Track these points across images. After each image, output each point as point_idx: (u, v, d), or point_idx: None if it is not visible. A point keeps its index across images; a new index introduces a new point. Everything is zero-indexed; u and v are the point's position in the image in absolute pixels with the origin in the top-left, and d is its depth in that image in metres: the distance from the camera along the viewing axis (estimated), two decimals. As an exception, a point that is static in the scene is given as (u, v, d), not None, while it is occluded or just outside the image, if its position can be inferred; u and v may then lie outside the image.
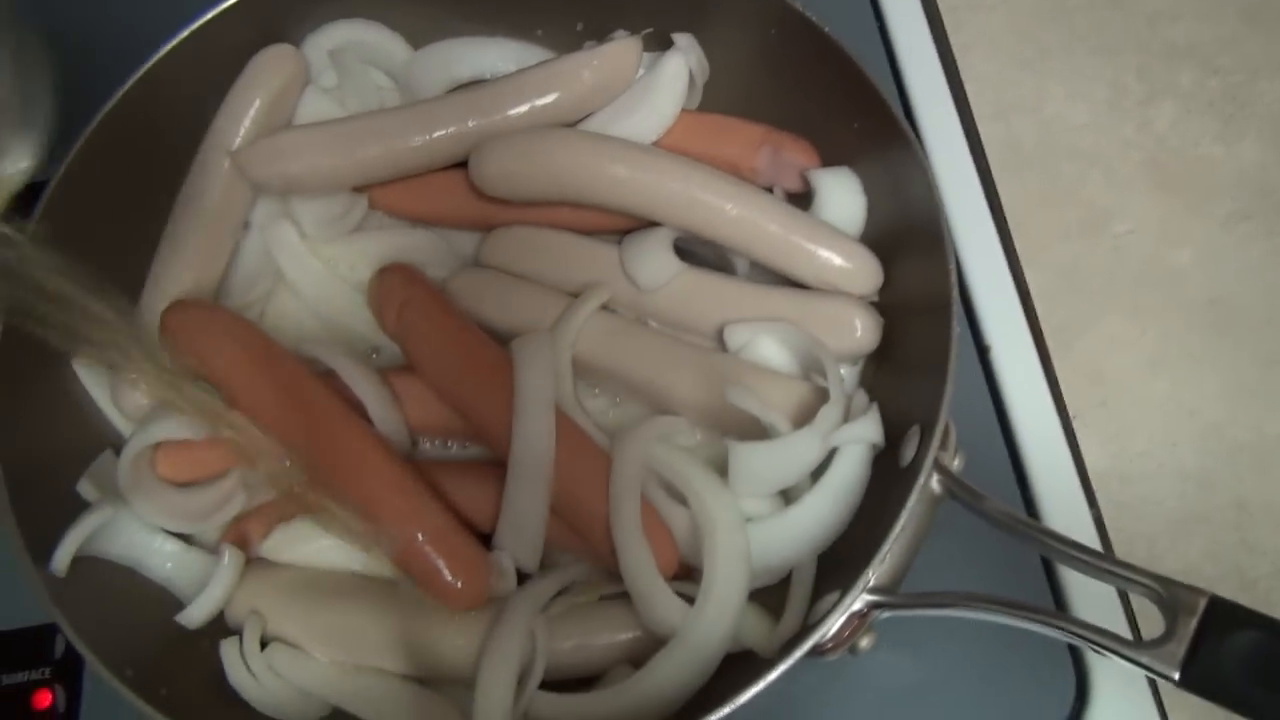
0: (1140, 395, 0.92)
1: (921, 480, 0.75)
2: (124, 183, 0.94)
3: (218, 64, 0.98)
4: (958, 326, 0.78)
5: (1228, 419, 0.91)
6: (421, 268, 0.97)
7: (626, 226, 0.97)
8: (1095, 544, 0.88)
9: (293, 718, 0.82)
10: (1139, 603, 0.72)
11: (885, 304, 0.92)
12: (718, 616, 0.77)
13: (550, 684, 0.78)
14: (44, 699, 0.93)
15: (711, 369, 0.87)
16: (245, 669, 0.82)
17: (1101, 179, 1.00)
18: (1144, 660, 0.63)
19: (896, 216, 0.91)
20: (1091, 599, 0.84)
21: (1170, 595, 0.64)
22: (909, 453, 0.80)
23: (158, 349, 0.85)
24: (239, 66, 0.99)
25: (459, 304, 0.94)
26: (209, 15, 0.96)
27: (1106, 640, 0.65)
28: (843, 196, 0.94)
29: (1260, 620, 0.61)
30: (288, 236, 0.98)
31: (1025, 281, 0.98)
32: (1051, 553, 0.70)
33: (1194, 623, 0.62)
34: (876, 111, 0.88)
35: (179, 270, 0.95)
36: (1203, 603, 0.62)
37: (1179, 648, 0.62)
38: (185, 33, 0.95)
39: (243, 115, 0.98)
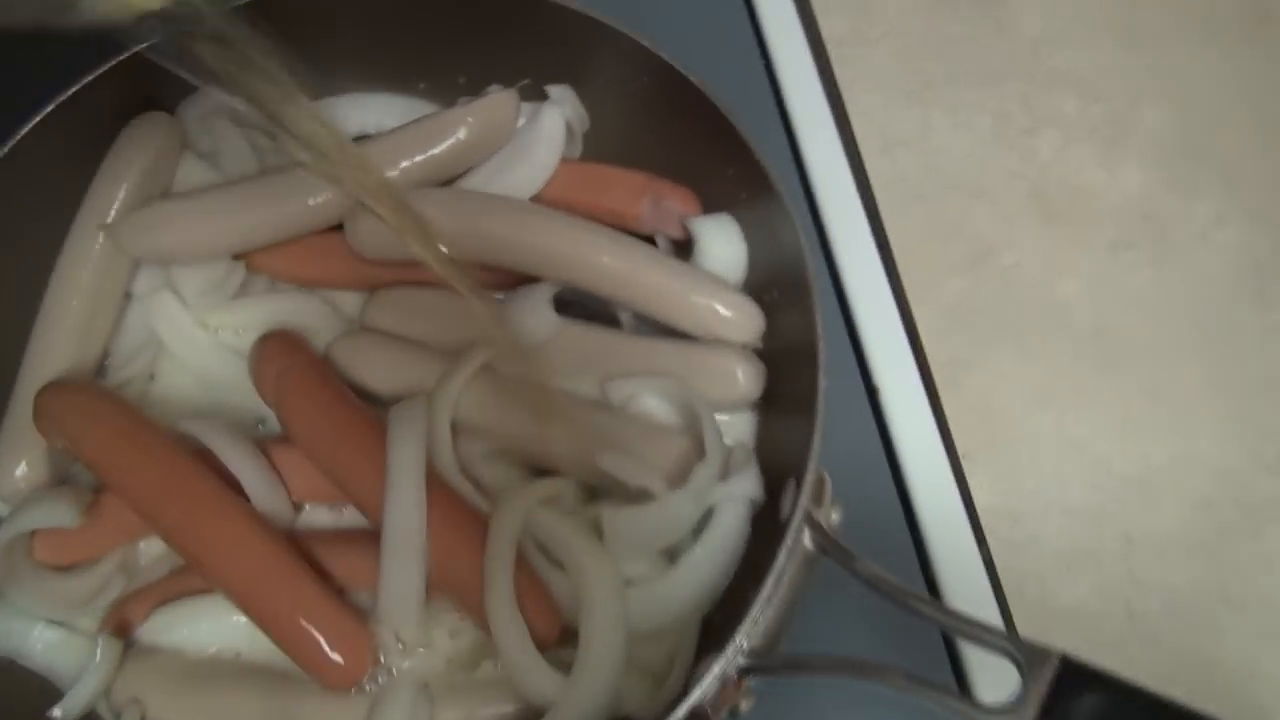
0: (1028, 431, 0.92)
1: (789, 540, 0.74)
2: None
3: (90, 133, 0.97)
4: (824, 379, 0.78)
5: (1115, 452, 0.90)
6: (307, 333, 0.96)
7: (511, 282, 0.96)
8: (986, 586, 0.87)
9: (176, 807, 0.81)
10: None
11: (768, 351, 0.91)
12: (594, 685, 0.76)
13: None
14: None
15: (589, 425, 0.86)
16: (125, 761, 0.80)
17: (988, 211, 1.00)
18: (998, 725, 0.63)
19: (774, 263, 0.90)
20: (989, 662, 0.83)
21: (1023, 654, 0.63)
22: (787, 506, 0.80)
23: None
24: (112, 135, 0.98)
25: (341, 368, 0.93)
26: (81, 83, 0.94)
27: (963, 705, 0.64)
28: (723, 244, 0.94)
29: (1110, 681, 0.60)
30: (169, 307, 0.96)
31: (913, 319, 0.98)
32: (915, 613, 0.69)
33: (1046, 684, 0.61)
34: (746, 159, 0.88)
35: (56, 349, 0.93)
36: (1054, 662, 0.62)
37: (1029, 710, 0.61)
38: (53, 105, 0.93)
39: (117, 186, 0.96)
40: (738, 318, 0.90)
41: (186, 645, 0.85)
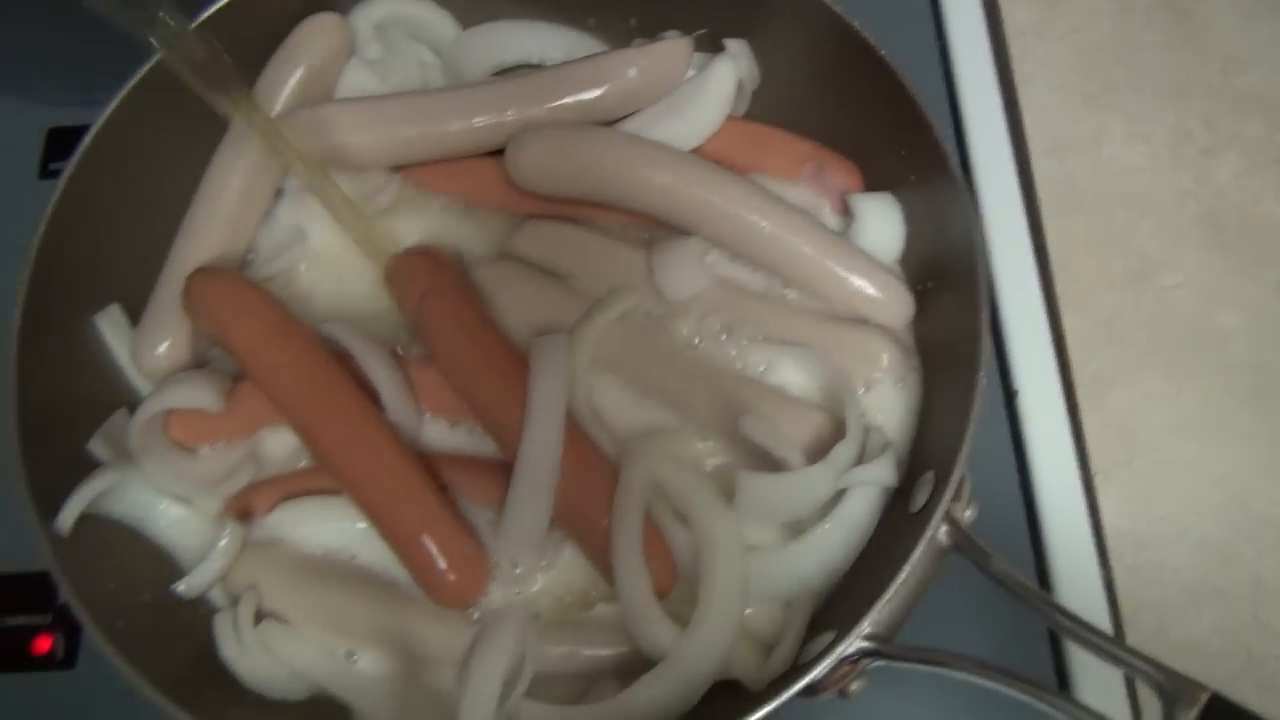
0: (1168, 458, 0.89)
1: (930, 531, 0.73)
2: (162, 137, 0.94)
3: (264, 28, 0.97)
4: (985, 377, 0.76)
5: (1255, 492, 0.88)
6: (451, 252, 0.96)
7: (657, 224, 0.95)
8: (1103, 607, 0.86)
9: (277, 694, 0.82)
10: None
11: (915, 338, 0.89)
12: (708, 644, 0.76)
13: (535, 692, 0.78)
14: (44, 644, 0.95)
15: (728, 390, 0.85)
16: (237, 642, 0.82)
17: (1153, 228, 0.97)
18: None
19: (936, 250, 0.88)
20: (1094, 672, 0.82)
21: (1172, 686, 0.62)
22: (921, 498, 0.79)
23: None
24: (284, 32, 0.98)
25: (484, 292, 0.93)
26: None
27: (1096, 724, 0.63)
28: (882, 224, 0.92)
29: (1260, 723, 0.59)
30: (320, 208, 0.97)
31: (1062, 327, 0.96)
32: (1055, 624, 0.68)
33: (1192, 718, 0.60)
34: (925, 142, 0.86)
35: (207, 235, 0.95)
36: (1204, 698, 0.60)
37: (1175, 741, 0.60)
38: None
39: (284, 82, 0.97)
40: (890, 300, 0.89)
41: (306, 541, 0.86)
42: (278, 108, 0.96)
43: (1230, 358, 0.93)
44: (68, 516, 0.80)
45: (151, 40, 0.86)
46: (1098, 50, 1.04)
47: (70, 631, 0.95)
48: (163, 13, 0.84)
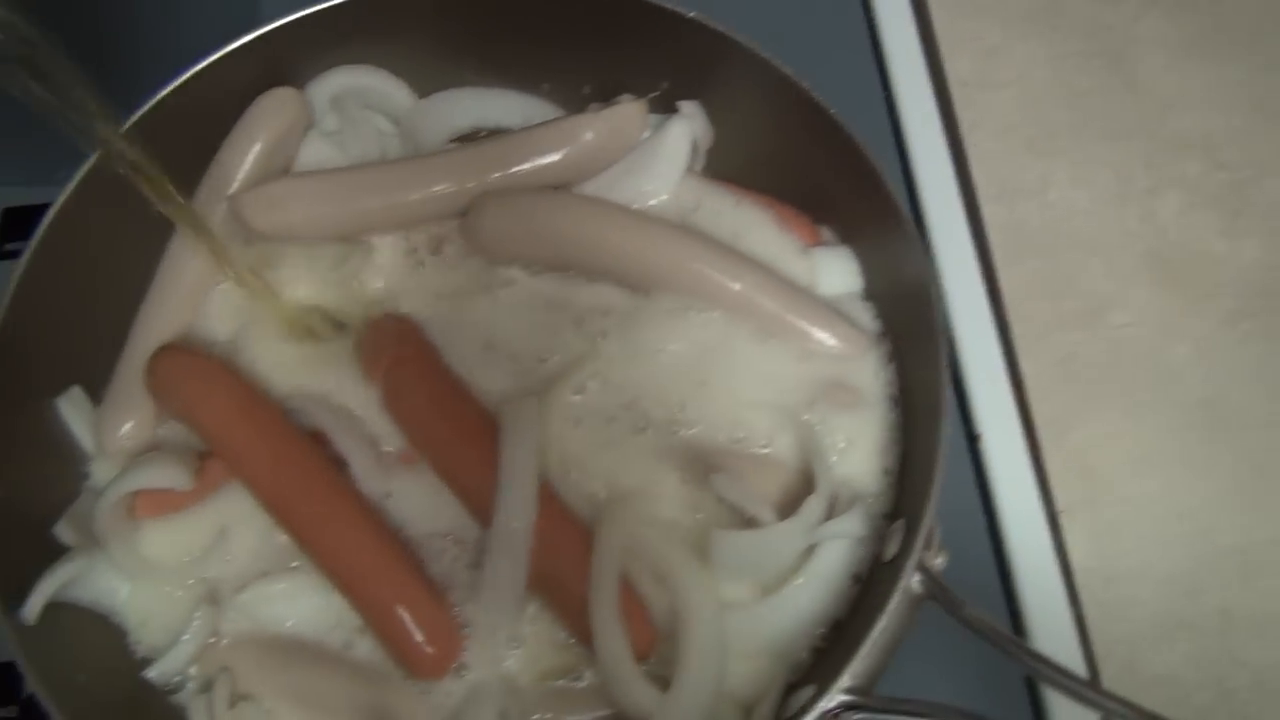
0: (1130, 494, 0.91)
1: (903, 581, 0.74)
2: (120, 218, 0.94)
3: (221, 106, 0.98)
4: (949, 426, 0.77)
5: (1217, 524, 0.90)
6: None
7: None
8: (1075, 644, 0.87)
9: (255, 779, 0.81)
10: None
11: (878, 389, 0.91)
12: (691, 704, 0.76)
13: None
14: (9, 737, 0.93)
15: (697, 457, 0.86)
16: (211, 728, 0.81)
17: (1102, 268, 1.00)
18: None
19: (894, 301, 0.90)
20: (1070, 713, 0.83)
21: (1147, 728, 0.63)
22: (892, 548, 0.80)
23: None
24: (241, 108, 0.99)
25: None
26: (215, 56, 0.95)
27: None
28: (839, 277, 0.93)
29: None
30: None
31: (1020, 370, 0.98)
32: (1031, 670, 0.69)
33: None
34: (878, 196, 0.87)
35: (169, 313, 0.94)
36: (1181, 739, 0.61)
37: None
38: (189, 73, 0.94)
39: (243, 158, 0.97)
40: (850, 349, 0.90)
41: (279, 621, 0.85)
42: (236, 183, 0.96)
43: (1185, 392, 0.95)
44: (35, 604, 0.79)
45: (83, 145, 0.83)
46: (1040, 97, 1.07)
47: (37, 721, 0.93)
48: (99, 121, 0.80)
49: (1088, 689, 0.65)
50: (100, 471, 0.90)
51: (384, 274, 0.97)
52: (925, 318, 0.82)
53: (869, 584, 0.80)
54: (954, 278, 1.00)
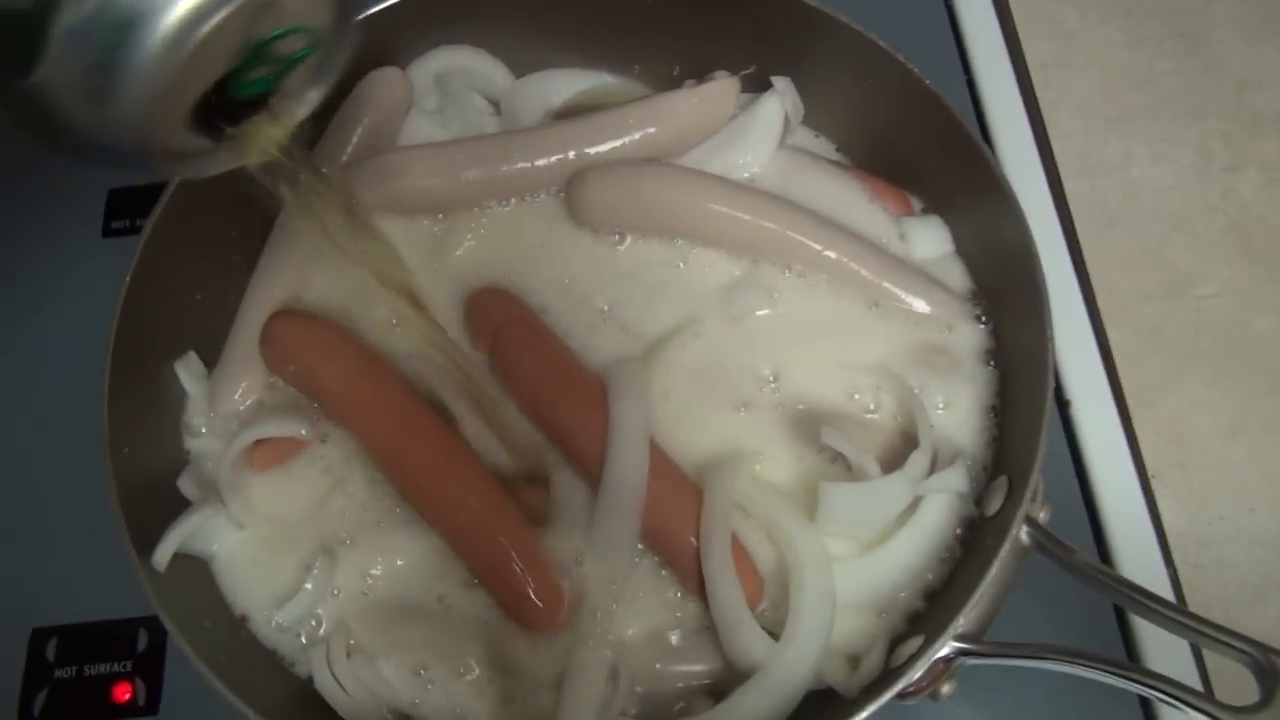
0: (1218, 459, 0.93)
1: (1013, 532, 0.76)
2: (232, 191, 0.97)
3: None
4: (1053, 381, 0.79)
5: (1306, 487, 0.92)
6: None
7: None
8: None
9: (374, 725, 0.83)
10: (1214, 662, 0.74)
11: (976, 354, 0.93)
12: (802, 654, 0.78)
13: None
14: (124, 692, 0.95)
15: (801, 416, 0.88)
16: (331, 676, 0.83)
17: (1185, 242, 1.01)
18: (1237, 726, 0.64)
19: (990, 265, 0.92)
20: (1164, 655, 0.85)
21: (1269, 662, 0.64)
22: (995, 503, 0.82)
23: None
24: (347, 87, 1.02)
25: None
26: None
27: (1203, 703, 0.65)
28: (932, 245, 0.96)
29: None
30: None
31: (1108, 339, 1.00)
32: (1147, 613, 0.71)
33: (1292, 692, 0.62)
34: (974, 163, 0.90)
35: (280, 283, 0.97)
36: (1304, 671, 0.63)
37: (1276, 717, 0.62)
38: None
39: (350, 135, 1.00)
40: (945, 315, 0.92)
41: (389, 574, 0.87)
42: (344, 158, 1.00)
43: (1268, 361, 0.97)
44: (164, 552, 0.82)
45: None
46: (1117, 78, 1.09)
47: (151, 678, 0.96)
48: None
49: (1211, 628, 0.67)
50: (214, 430, 0.93)
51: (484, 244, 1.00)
52: (1029, 278, 0.84)
53: (969, 539, 0.82)
54: (1041, 250, 1.02)
